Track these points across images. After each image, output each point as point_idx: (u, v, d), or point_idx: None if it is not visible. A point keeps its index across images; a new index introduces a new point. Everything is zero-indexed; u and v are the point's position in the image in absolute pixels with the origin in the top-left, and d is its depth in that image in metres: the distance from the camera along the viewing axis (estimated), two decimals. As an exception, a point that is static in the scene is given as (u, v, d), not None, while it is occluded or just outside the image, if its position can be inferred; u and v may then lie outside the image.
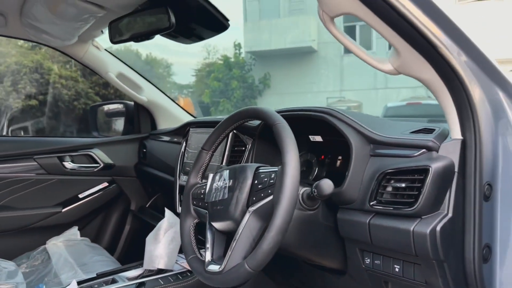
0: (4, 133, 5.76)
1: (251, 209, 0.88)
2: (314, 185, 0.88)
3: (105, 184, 1.98)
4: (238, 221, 0.89)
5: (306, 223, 0.96)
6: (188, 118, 2.04)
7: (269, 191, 0.86)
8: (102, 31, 1.71)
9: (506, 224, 0.89)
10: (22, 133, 6.35)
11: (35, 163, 1.84)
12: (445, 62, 0.80)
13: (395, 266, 0.91)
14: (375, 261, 0.95)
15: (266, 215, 0.86)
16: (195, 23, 1.25)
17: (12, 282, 1.07)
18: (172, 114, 2.06)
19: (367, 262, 0.97)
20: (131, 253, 2.03)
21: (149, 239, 1.35)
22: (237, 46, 17.28)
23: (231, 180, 0.95)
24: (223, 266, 0.87)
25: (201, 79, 18.62)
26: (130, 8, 1.34)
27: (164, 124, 2.06)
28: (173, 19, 1.18)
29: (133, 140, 2.07)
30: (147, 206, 2.04)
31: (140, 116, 2.09)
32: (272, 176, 0.88)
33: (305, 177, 1.24)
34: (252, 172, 0.92)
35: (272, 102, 15.97)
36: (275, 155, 1.29)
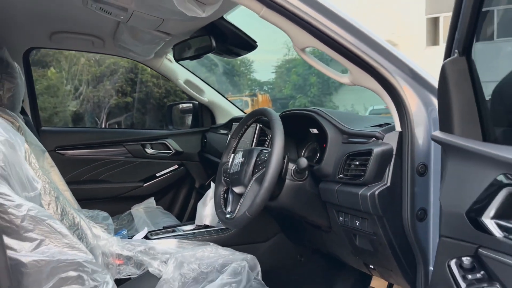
0: (103, 125, 6.80)
1: (254, 177, 1.29)
2: (296, 162, 1.26)
3: (176, 166, 2.51)
4: (246, 186, 1.31)
5: (297, 191, 1.34)
6: (238, 114, 2.49)
7: (264, 165, 1.26)
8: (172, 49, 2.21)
9: (438, 193, 1.19)
10: (116, 126, 7.29)
11: (124, 148, 2.41)
12: (382, 76, 1.13)
13: (356, 221, 1.26)
14: (345, 219, 1.31)
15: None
16: (231, 45, 1.68)
17: (106, 223, 1.59)
18: (227, 111, 2.53)
19: (340, 219, 1.33)
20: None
21: (199, 203, 1.81)
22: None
23: (243, 158, 1.36)
24: (234, 215, 1.29)
25: (281, 76, 19.10)
26: (187, 35, 1.81)
27: (221, 119, 2.53)
28: (214, 44, 1.62)
29: (197, 132, 2.56)
30: (206, 184, 2.53)
31: (203, 113, 2.58)
32: (267, 155, 1.28)
33: (311, 160, 1.61)
34: (256, 153, 1.33)
35: (348, 99, 15.93)
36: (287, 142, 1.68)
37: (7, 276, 0.77)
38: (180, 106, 2.86)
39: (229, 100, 2.58)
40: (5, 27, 1.90)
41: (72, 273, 0.88)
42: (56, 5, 1.74)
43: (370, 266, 1.36)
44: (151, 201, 2.34)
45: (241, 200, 1.28)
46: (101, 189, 2.34)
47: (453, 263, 0.77)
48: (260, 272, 1.41)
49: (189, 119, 2.75)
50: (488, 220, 0.72)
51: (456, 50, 0.88)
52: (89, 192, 2.28)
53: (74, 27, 2.00)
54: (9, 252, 0.81)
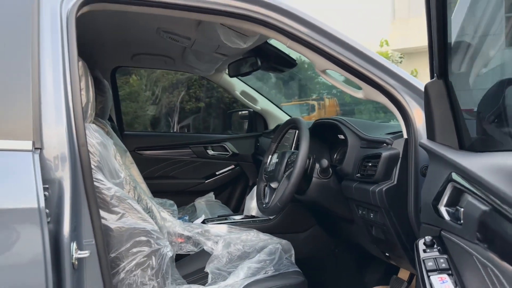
0: (174, 129, 7.46)
1: (285, 174, 1.56)
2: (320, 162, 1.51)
3: (232, 166, 2.83)
4: (279, 181, 1.58)
5: (323, 187, 1.58)
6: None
7: (293, 164, 1.52)
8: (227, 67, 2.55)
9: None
10: (186, 130, 7.89)
11: (190, 150, 2.79)
12: (388, 92, 1.34)
13: (371, 214, 1.47)
14: (363, 212, 1.52)
15: (292, 178, 1.52)
16: (274, 63, 1.97)
17: (171, 209, 1.95)
18: (278, 117, 2.80)
19: (359, 212, 1.55)
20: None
21: (247, 197, 2.12)
22: (385, 42, 17.08)
23: (278, 159, 1.64)
24: (269, 205, 1.57)
25: (347, 81, 18.90)
26: (240, 55, 2.13)
27: (272, 125, 2.82)
28: (259, 63, 1.92)
29: (251, 136, 2.87)
30: (258, 182, 2.83)
31: (256, 120, 2.88)
32: (295, 156, 1.54)
33: (340, 163, 1.83)
34: (288, 155, 1.60)
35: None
36: (318, 147, 1.90)
37: (101, 236, 1.11)
38: (239, 113, 3.19)
39: (280, 108, 2.85)
40: (97, 52, 2.35)
41: (143, 238, 1.21)
42: (136, 34, 2.14)
43: (386, 253, 1.56)
44: (211, 195, 2.69)
45: (275, 193, 1.56)
46: (170, 184, 2.74)
47: (420, 242, 0.98)
48: (293, 255, 1.67)
49: (245, 125, 3.06)
50: (442, 207, 0.93)
51: (435, 74, 1.08)
52: (160, 186, 2.68)
53: (150, 50, 2.41)
54: (102, 220, 1.15)
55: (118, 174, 1.29)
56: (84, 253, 1.01)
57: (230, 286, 1.40)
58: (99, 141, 1.21)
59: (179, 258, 1.79)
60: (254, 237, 1.76)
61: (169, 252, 1.25)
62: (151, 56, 2.50)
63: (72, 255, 0.98)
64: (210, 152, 2.81)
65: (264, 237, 1.74)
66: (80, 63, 1.25)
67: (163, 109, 7.95)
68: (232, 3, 1.26)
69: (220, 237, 1.75)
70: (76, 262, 1.00)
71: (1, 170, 0.93)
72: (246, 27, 1.33)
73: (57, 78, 1.05)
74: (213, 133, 3.00)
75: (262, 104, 2.80)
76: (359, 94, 1.42)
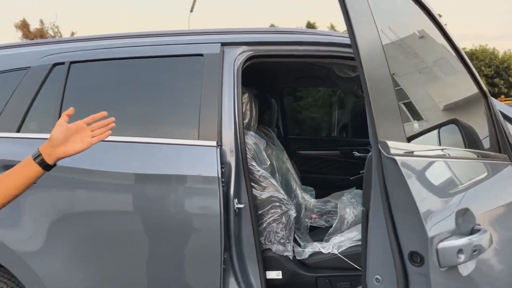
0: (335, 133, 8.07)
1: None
2: None
3: (375, 166, 3.24)
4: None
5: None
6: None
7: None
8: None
9: None
10: (344, 134, 8.35)
11: (338, 152, 3.33)
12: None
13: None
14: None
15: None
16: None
17: (310, 193, 2.57)
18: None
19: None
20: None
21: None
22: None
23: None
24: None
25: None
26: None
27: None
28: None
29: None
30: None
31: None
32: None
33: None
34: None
35: None
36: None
37: (251, 198, 1.80)
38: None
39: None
40: (269, 78, 3.14)
41: (277, 203, 1.86)
42: (295, 65, 2.83)
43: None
44: (355, 189, 3.17)
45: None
46: (320, 178, 3.34)
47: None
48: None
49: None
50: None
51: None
52: (313, 178, 3.31)
53: (308, 73, 3.07)
54: (253, 190, 1.85)
55: (265, 162, 1.98)
56: (241, 205, 1.72)
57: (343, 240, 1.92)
58: (254, 141, 1.93)
59: (313, 230, 2.39)
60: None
61: (293, 213, 1.87)
62: (309, 77, 3.18)
63: (235, 206, 1.71)
64: (356, 154, 3.29)
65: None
66: (246, 94, 1.98)
67: (326, 117, 8.58)
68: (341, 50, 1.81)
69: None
70: (237, 210, 1.72)
71: (202, 156, 1.71)
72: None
73: (230, 104, 1.79)
74: (360, 137, 3.43)
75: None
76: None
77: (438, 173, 1.11)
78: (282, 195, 1.89)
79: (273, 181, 1.90)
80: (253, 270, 1.79)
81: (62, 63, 1.93)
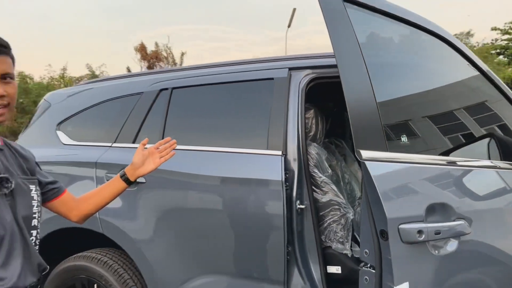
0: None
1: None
2: None
3: None
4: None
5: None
6: None
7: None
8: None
9: None
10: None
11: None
12: None
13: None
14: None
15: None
16: None
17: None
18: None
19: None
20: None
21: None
22: None
23: None
24: None
25: None
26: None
27: None
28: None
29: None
30: None
31: None
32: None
33: None
34: None
35: None
36: None
37: (313, 200, 2.07)
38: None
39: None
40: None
41: (336, 206, 2.11)
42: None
43: None
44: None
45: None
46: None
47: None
48: None
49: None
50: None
51: None
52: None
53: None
54: (314, 193, 2.12)
55: (327, 171, 2.24)
56: (303, 206, 2.01)
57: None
58: (316, 151, 2.21)
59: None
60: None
61: (351, 216, 2.10)
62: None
63: (297, 206, 2.00)
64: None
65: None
66: (312, 110, 2.27)
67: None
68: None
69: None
70: (299, 210, 2.02)
71: (270, 163, 2.05)
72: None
73: (294, 120, 2.10)
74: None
75: None
76: None
77: (402, 174, 1.34)
78: (341, 199, 2.13)
79: (333, 187, 2.15)
80: (314, 263, 2.06)
81: (166, 89, 2.45)
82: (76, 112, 2.75)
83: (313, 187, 2.12)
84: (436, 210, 1.31)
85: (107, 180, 2.29)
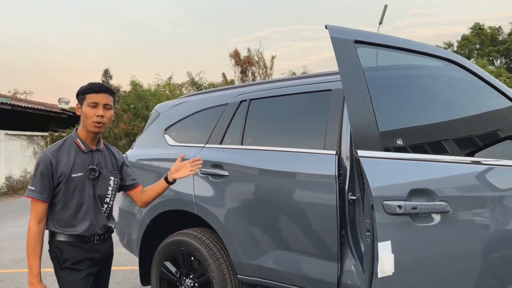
0: None
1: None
2: None
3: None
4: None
5: None
6: None
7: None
8: None
9: None
10: None
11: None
12: None
13: None
14: None
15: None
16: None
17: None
18: None
19: None
20: None
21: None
22: None
23: None
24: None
25: None
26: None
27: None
28: None
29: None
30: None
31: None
32: None
33: None
34: None
35: None
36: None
37: (363, 191, 2.44)
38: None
39: None
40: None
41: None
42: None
43: None
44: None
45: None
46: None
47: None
48: None
49: None
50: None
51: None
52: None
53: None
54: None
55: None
56: (354, 197, 2.40)
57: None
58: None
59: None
60: None
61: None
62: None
63: (349, 197, 2.40)
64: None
65: None
66: None
67: None
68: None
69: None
70: (351, 201, 2.41)
71: (327, 161, 2.47)
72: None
73: (347, 124, 2.49)
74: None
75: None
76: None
77: (388, 167, 1.68)
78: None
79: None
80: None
81: (245, 100, 3.02)
82: (179, 120, 3.47)
83: (363, 181, 2.48)
84: (419, 193, 1.66)
85: (201, 173, 2.94)
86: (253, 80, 19.96)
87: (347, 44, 1.74)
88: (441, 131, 1.93)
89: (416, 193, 1.69)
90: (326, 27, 1.73)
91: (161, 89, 18.72)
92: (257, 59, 20.49)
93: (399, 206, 1.62)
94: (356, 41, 1.77)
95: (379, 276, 1.58)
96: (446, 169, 1.77)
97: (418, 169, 1.74)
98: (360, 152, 1.73)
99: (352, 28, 1.80)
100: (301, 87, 2.76)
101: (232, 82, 20.60)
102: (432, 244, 1.66)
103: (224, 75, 21.21)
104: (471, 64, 1.90)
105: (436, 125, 1.96)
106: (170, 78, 19.59)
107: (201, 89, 18.96)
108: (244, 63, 20.15)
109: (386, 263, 1.54)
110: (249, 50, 20.82)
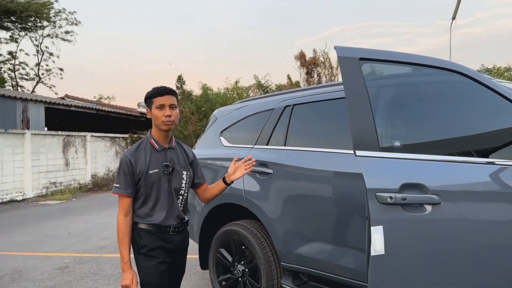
0: None
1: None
2: None
3: None
4: None
5: None
6: None
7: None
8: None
9: None
10: None
11: None
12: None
13: None
14: None
15: None
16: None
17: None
18: None
19: None
20: None
21: None
22: None
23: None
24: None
25: None
26: None
27: None
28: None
29: None
30: None
31: None
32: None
33: None
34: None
35: None
36: None
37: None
38: None
39: None
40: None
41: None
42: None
43: None
44: None
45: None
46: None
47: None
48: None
49: None
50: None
51: None
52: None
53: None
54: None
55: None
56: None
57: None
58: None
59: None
60: None
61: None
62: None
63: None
64: None
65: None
66: None
67: None
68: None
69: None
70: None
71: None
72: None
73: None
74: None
75: None
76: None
77: (381, 164, 1.92)
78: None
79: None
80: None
81: (289, 105, 3.36)
82: (232, 123, 3.92)
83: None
84: (411, 187, 1.89)
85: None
86: (319, 81, 20.03)
87: (353, 61, 2.01)
88: (440, 132, 2.16)
89: (408, 187, 1.92)
90: (334, 48, 2.02)
91: (230, 92, 19.60)
92: (322, 59, 20.52)
93: (390, 197, 1.86)
94: (361, 58, 2.03)
95: (372, 254, 1.85)
96: (439, 166, 1.96)
97: (410, 167, 1.96)
98: (359, 152, 2.00)
99: (358, 47, 2.07)
100: (337, 94, 3.03)
101: (297, 83, 20.87)
102: (422, 230, 1.88)
103: (289, 77, 21.56)
104: (472, 71, 2.04)
105: (435, 126, 2.18)
106: (237, 82, 20.42)
107: (267, 92, 19.50)
108: (309, 64, 20.30)
109: (377, 244, 1.80)
110: (314, 50, 20.93)
